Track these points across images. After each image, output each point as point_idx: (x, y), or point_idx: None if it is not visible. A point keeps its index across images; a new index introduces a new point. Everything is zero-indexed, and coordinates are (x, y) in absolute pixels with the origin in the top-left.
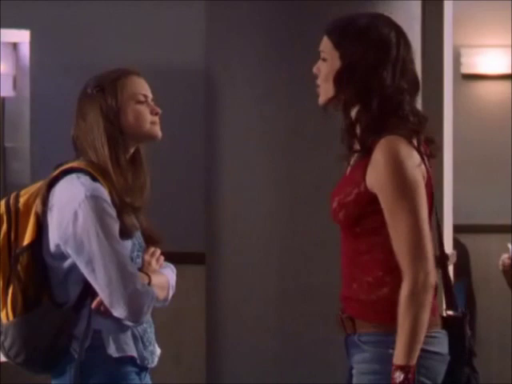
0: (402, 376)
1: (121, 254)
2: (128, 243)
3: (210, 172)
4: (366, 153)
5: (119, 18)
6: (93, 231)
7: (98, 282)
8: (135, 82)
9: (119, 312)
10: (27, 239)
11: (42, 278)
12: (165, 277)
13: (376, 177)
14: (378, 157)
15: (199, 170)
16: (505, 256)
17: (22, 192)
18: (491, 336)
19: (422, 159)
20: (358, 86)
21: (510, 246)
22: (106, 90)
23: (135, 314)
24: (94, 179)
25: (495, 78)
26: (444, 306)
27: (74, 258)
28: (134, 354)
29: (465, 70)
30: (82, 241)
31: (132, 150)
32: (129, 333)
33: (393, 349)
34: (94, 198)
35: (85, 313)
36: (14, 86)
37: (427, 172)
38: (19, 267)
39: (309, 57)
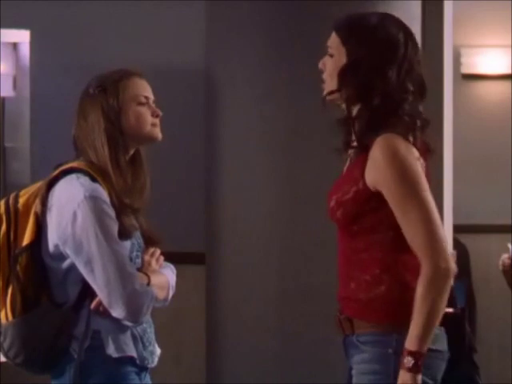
0: (412, 362)
1: (120, 254)
2: (127, 243)
3: (209, 172)
4: (363, 150)
5: (119, 18)
6: (92, 232)
7: (97, 283)
8: (137, 83)
9: (118, 312)
10: (26, 239)
11: (41, 279)
12: (164, 277)
13: (378, 175)
14: (377, 154)
15: (199, 170)
16: (505, 256)
17: (22, 192)
18: (491, 336)
19: (420, 154)
20: (361, 83)
21: (510, 245)
22: (108, 90)
23: (134, 315)
24: (94, 180)
25: (495, 78)
26: None
27: (72, 258)
28: (134, 354)
29: (465, 70)
30: (80, 241)
31: (132, 151)
32: (128, 333)
33: (391, 348)
34: (93, 199)
35: (84, 313)
36: (14, 86)
37: (426, 171)
38: (18, 267)
39: (309, 57)
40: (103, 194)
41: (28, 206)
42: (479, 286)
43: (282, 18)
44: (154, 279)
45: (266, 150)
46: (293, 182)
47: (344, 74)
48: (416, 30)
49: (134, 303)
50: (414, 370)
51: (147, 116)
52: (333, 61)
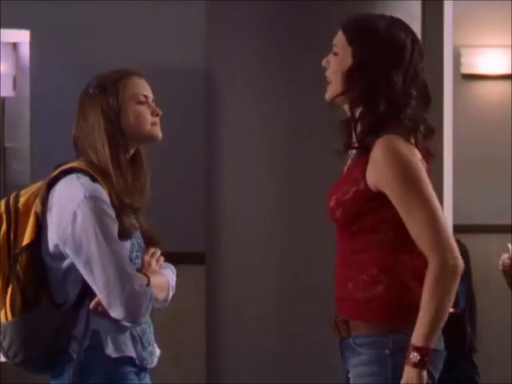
0: (418, 357)
1: (119, 254)
2: (127, 244)
3: (210, 172)
4: (364, 151)
5: (119, 18)
6: (91, 232)
7: (96, 283)
8: (136, 82)
9: (117, 313)
10: (26, 239)
11: (40, 278)
12: (164, 277)
13: (380, 175)
14: (378, 155)
15: (199, 170)
16: (505, 256)
17: (22, 192)
18: (491, 336)
19: (421, 154)
20: (367, 85)
21: (510, 245)
22: (108, 90)
23: (133, 315)
24: (94, 180)
25: (495, 78)
26: None
27: (72, 258)
28: (133, 354)
29: (465, 70)
30: (80, 241)
31: (132, 151)
32: (127, 333)
33: (388, 349)
34: (93, 199)
35: (83, 313)
36: (14, 86)
37: (426, 169)
38: (18, 267)
39: (309, 57)
40: (103, 194)
41: (28, 205)
42: (479, 286)
43: (282, 18)
44: (154, 280)
45: (266, 150)
46: (293, 182)
47: (351, 76)
48: (416, 29)
49: (133, 304)
50: (419, 365)
51: (147, 115)
52: (337, 59)
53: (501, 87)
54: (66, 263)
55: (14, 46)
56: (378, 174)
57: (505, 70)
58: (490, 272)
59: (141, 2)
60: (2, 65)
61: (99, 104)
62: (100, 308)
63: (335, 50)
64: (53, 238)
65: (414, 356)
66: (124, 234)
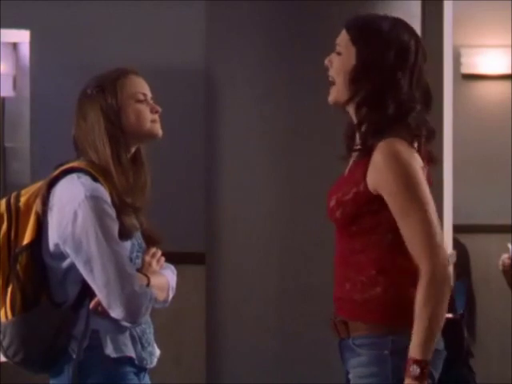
0: (418, 370)
1: (119, 254)
2: (127, 244)
3: (210, 172)
4: (366, 153)
5: (119, 18)
6: (92, 231)
7: (96, 283)
8: (134, 81)
9: (117, 313)
10: (27, 239)
11: (40, 278)
12: (165, 278)
13: (380, 178)
14: (379, 158)
15: (199, 170)
16: (505, 256)
17: (23, 191)
18: (491, 336)
19: (421, 159)
20: (372, 87)
21: (510, 245)
22: (106, 89)
23: (133, 315)
24: (95, 179)
25: (495, 78)
26: None
27: (72, 257)
28: (132, 354)
29: (465, 70)
30: (80, 241)
31: (133, 150)
32: (127, 333)
33: (388, 350)
34: (94, 199)
35: (83, 313)
36: (14, 86)
37: (427, 174)
38: (18, 266)
39: (309, 57)
40: (104, 193)
41: (29, 205)
42: (479, 285)
43: (282, 18)
44: (154, 280)
45: (265, 150)
46: (293, 182)
47: (355, 77)
48: (416, 29)
49: (133, 304)
50: (420, 378)
51: (146, 113)
52: (340, 59)
53: (501, 87)
54: (66, 263)
55: (14, 45)
56: (377, 176)
57: (505, 70)
58: (490, 272)
59: (141, 2)
60: (2, 65)
61: (98, 104)
62: (100, 308)
63: (338, 49)
64: (53, 238)
65: (414, 369)
66: (124, 234)
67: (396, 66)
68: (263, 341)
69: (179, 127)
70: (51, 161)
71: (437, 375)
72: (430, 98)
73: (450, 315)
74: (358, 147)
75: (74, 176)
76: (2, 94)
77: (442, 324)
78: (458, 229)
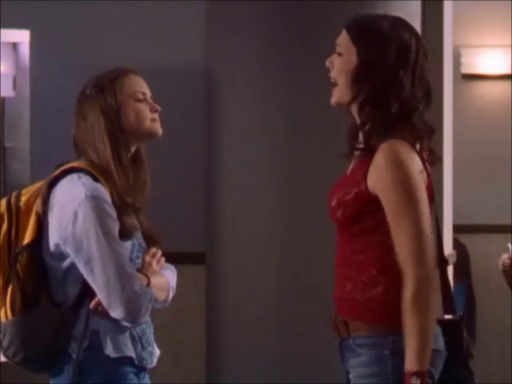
0: (418, 382)
1: (120, 254)
2: (127, 244)
3: (210, 172)
4: (369, 153)
5: (119, 18)
6: (92, 231)
7: (97, 283)
8: (133, 80)
9: (117, 313)
10: (27, 238)
11: (41, 278)
12: (165, 278)
13: (378, 180)
14: (380, 160)
15: (199, 170)
16: (505, 256)
17: (24, 191)
18: (491, 336)
19: (424, 165)
20: (374, 86)
21: (510, 245)
22: (105, 89)
23: (133, 315)
24: (95, 179)
25: (495, 78)
26: (442, 310)
27: (73, 257)
28: (132, 354)
29: (465, 70)
30: (81, 240)
31: (133, 149)
32: (127, 333)
33: (388, 350)
34: (95, 199)
35: (83, 313)
36: (14, 86)
37: (428, 177)
38: (19, 266)
39: (309, 57)
40: (105, 193)
41: (29, 205)
42: (479, 285)
43: (282, 18)
44: (154, 280)
45: (266, 149)
46: (293, 182)
47: (357, 77)
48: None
49: (133, 304)
50: None
51: (146, 112)
52: (341, 59)
53: (501, 87)
54: (66, 263)
55: (14, 46)
56: (377, 178)
57: (505, 70)
58: (490, 272)
59: (141, 2)
60: (2, 65)
61: (98, 104)
62: (100, 308)
63: (339, 50)
64: (53, 238)
65: (414, 381)
66: (125, 234)
67: (397, 65)
68: (263, 341)
69: (179, 127)
70: (51, 161)
71: (437, 375)
72: (430, 95)
73: (449, 316)
74: (361, 146)
75: (74, 176)
76: (2, 94)
77: (433, 331)
78: (457, 229)
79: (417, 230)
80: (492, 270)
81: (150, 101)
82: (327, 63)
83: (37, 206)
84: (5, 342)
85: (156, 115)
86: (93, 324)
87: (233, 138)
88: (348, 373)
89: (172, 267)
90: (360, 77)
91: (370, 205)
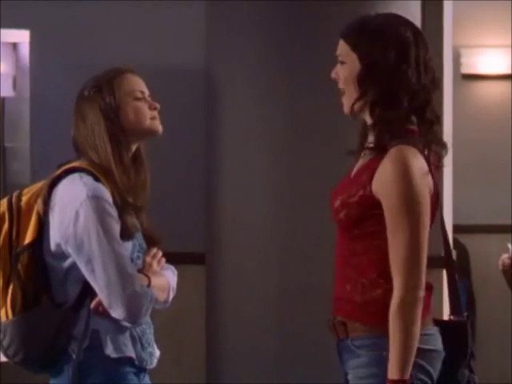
0: None
1: (120, 254)
2: (128, 244)
3: (210, 172)
4: (378, 154)
5: (119, 18)
6: (93, 231)
7: (98, 283)
8: (131, 79)
9: (117, 313)
10: (28, 238)
11: (41, 278)
12: (165, 278)
13: (383, 185)
14: (387, 166)
15: (199, 170)
16: (505, 256)
17: (25, 191)
18: (491, 336)
19: (430, 170)
20: (383, 85)
21: (509, 245)
22: (104, 89)
23: (133, 316)
24: (97, 179)
25: (495, 78)
26: (448, 310)
27: (74, 257)
28: (132, 354)
29: (465, 70)
30: (82, 240)
31: (134, 148)
32: (127, 334)
33: (387, 350)
34: (96, 199)
35: (84, 313)
36: (14, 86)
37: (434, 184)
38: (19, 266)
39: (309, 57)
40: (106, 193)
41: (30, 204)
42: (479, 285)
43: (282, 18)
44: (155, 281)
45: (265, 150)
46: (293, 182)
47: (364, 80)
48: None
49: (134, 305)
50: None
51: (145, 110)
52: (345, 68)
53: (501, 87)
54: (67, 263)
55: (14, 46)
56: (382, 183)
57: (505, 70)
58: (489, 272)
59: (141, 2)
60: (2, 65)
61: (97, 104)
62: (100, 308)
63: (341, 59)
64: (55, 237)
65: None
66: (126, 234)
67: (399, 61)
68: (263, 341)
69: (179, 127)
70: (51, 161)
71: (435, 375)
72: (437, 84)
73: (454, 317)
74: (371, 145)
75: (75, 176)
76: (2, 94)
77: (416, 342)
78: (457, 229)
79: (413, 242)
80: (492, 270)
81: (149, 99)
82: (333, 75)
83: (38, 206)
84: (5, 342)
85: (155, 113)
86: (93, 324)
87: (233, 138)
88: (346, 374)
89: (172, 268)
90: (366, 80)
91: (374, 209)
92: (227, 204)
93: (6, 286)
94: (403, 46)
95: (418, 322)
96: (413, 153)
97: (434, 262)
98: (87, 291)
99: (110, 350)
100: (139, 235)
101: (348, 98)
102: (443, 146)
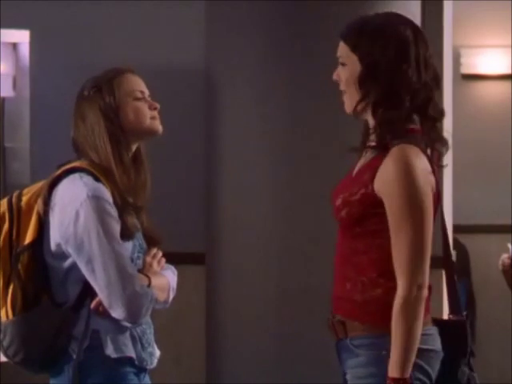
0: None
1: (121, 254)
2: (129, 244)
3: (210, 172)
4: (380, 153)
5: (119, 18)
6: (93, 231)
7: (98, 283)
8: (131, 79)
9: (118, 313)
10: (28, 238)
11: (42, 278)
12: (165, 279)
13: (385, 185)
14: (390, 165)
15: (199, 170)
16: (505, 256)
17: (25, 191)
18: (491, 336)
19: (433, 170)
20: (384, 85)
21: (509, 245)
22: (103, 89)
23: (134, 316)
24: (97, 179)
25: (495, 78)
26: (447, 310)
27: (74, 257)
28: (133, 355)
29: (465, 70)
30: (82, 240)
31: (134, 148)
32: (127, 334)
33: (386, 350)
34: (96, 199)
35: (84, 313)
36: (14, 86)
37: (436, 183)
38: (20, 266)
39: (308, 57)
40: (106, 193)
41: (31, 204)
42: (479, 285)
43: (282, 18)
44: (155, 281)
45: (265, 150)
46: (293, 182)
47: (365, 81)
48: None
49: (134, 305)
50: None
51: (145, 110)
52: (346, 69)
53: (501, 87)
54: (67, 263)
55: (14, 46)
56: (384, 182)
57: (505, 70)
58: (489, 272)
59: (141, 2)
60: (2, 65)
61: (96, 104)
62: (101, 308)
63: (342, 60)
64: (55, 237)
65: None
66: (126, 234)
67: (399, 60)
68: (263, 341)
69: (179, 127)
70: (51, 161)
71: (434, 375)
72: (438, 79)
73: (453, 316)
74: (373, 144)
75: (76, 176)
76: (2, 94)
77: (417, 342)
78: (458, 229)
79: (416, 241)
80: (492, 270)
81: (149, 99)
82: (334, 77)
83: (38, 206)
84: (5, 342)
85: (155, 113)
86: (93, 324)
87: (233, 138)
88: (345, 373)
89: (172, 268)
90: (367, 81)
91: (376, 207)
92: (227, 204)
93: (6, 286)
94: (403, 45)
95: (420, 322)
96: (415, 152)
97: (434, 263)
98: (87, 291)
99: (110, 350)
100: (139, 235)
101: (350, 100)
102: (444, 143)
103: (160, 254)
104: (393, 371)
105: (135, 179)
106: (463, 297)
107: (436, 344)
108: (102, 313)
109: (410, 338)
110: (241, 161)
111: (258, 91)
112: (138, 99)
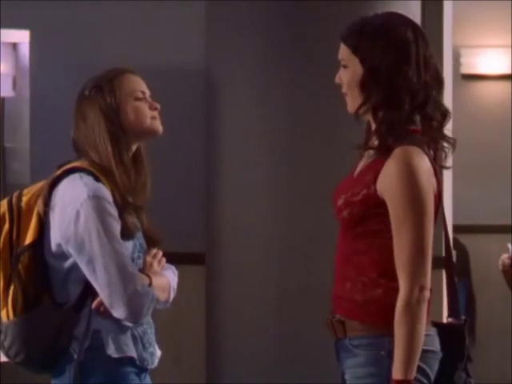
0: None
1: (121, 254)
2: (129, 244)
3: (209, 172)
4: (382, 154)
5: (119, 18)
6: (94, 231)
7: (99, 282)
8: (131, 79)
9: (119, 313)
10: (29, 238)
11: (42, 278)
12: (166, 278)
13: (388, 185)
14: (392, 166)
15: (199, 169)
16: (505, 256)
17: (25, 191)
18: (491, 336)
19: (435, 171)
20: (385, 87)
21: (509, 245)
22: (104, 89)
23: (135, 315)
24: (97, 179)
25: (495, 78)
26: (446, 312)
27: (75, 257)
28: (134, 354)
29: (465, 70)
30: (83, 240)
31: (134, 148)
32: (128, 333)
33: (385, 350)
34: (96, 198)
35: (85, 313)
36: (14, 86)
37: (438, 184)
38: (20, 266)
39: (308, 57)
40: (106, 193)
41: (31, 205)
42: (479, 285)
43: (282, 18)
44: (156, 281)
45: (265, 150)
46: (293, 182)
47: (367, 83)
48: None
49: (135, 304)
50: None
51: (146, 110)
52: (348, 72)
53: (501, 87)
54: (68, 263)
55: (14, 46)
56: (386, 184)
57: (505, 70)
58: (490, 272)
59: (141, 2)
60: (2, 65)
61: (97, 104)
62: (102, 308)
63: (343, 63)
64: (55, 238)
65: None
66: (126, 234)
67: (400, 62)
68: (263, 341)
69: (179, 127)
70: (51, 161)
71: (432, 376)
72: (441, 79)
73: (452, 320)
74: (375, 146)
75: (76, 176)
76: (2, 94)
77: (421, 343)
78: (458, 229)
79: (418, 242)
80: (492, 270)
81: (149, 99)
82: (336, 79)
83: (38, 207)
84: (6, 343)
85: (156, 113)
86: (94, 324)
87: (233, 138)
88: (344, 373)
89: (173, 268)
90: (369, 83)
91: (378, 208)
92: (227, 204)
93: (6, 287)
94: (404, 45)
95: (423, 322)
96: (417, 153)
97: (435, 263)
98: (88, 291)
99: (111, 350)
100: (140, 235)
101: (352, 102)
102: (450, 141)
103: (160, 253)
104: (397, 373)
105: (135, 179)
106: (463, 297)
107: (435, 345)
108: (103, 313)
109: (413, 340)
110: (241, 161)
111: (258, 91)
112: (138, 99)
